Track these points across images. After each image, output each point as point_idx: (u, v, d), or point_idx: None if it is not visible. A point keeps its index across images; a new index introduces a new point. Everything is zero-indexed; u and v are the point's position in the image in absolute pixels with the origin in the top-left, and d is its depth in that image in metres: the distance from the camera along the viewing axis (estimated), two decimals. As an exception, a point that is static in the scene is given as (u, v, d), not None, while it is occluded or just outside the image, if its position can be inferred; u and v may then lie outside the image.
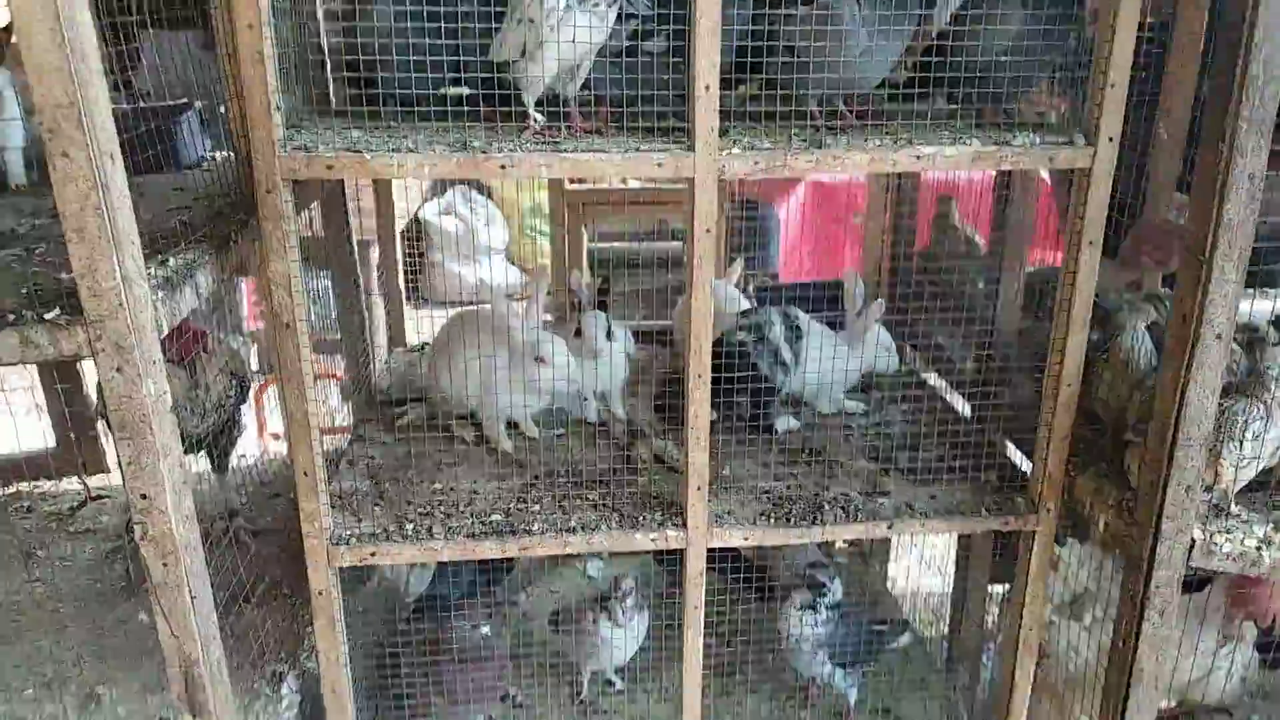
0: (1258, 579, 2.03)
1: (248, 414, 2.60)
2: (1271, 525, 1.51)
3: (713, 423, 1.93)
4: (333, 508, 1.71)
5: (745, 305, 2.21)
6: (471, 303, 2.87)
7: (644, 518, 1.69)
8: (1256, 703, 2.07)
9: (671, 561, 2.00)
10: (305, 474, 1.62)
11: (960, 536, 2.30)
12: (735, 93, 1.74)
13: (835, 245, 4.87)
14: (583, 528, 1.68)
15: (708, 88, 1.42)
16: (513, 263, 6.06)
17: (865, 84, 1.55)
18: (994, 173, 2.03)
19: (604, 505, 1.73)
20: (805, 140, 1.50)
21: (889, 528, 1.70)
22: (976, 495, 1.76)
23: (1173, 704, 2.01)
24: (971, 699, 2.23)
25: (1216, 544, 1.48)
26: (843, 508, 1.72)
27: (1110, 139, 1.48)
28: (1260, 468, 1.50)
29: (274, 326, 1.52)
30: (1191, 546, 1.47)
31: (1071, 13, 1.54)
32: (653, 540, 1.68)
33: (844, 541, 2.80)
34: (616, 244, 4.11)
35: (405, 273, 3.19)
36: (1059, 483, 1.70)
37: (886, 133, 1.53)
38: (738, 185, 5.15)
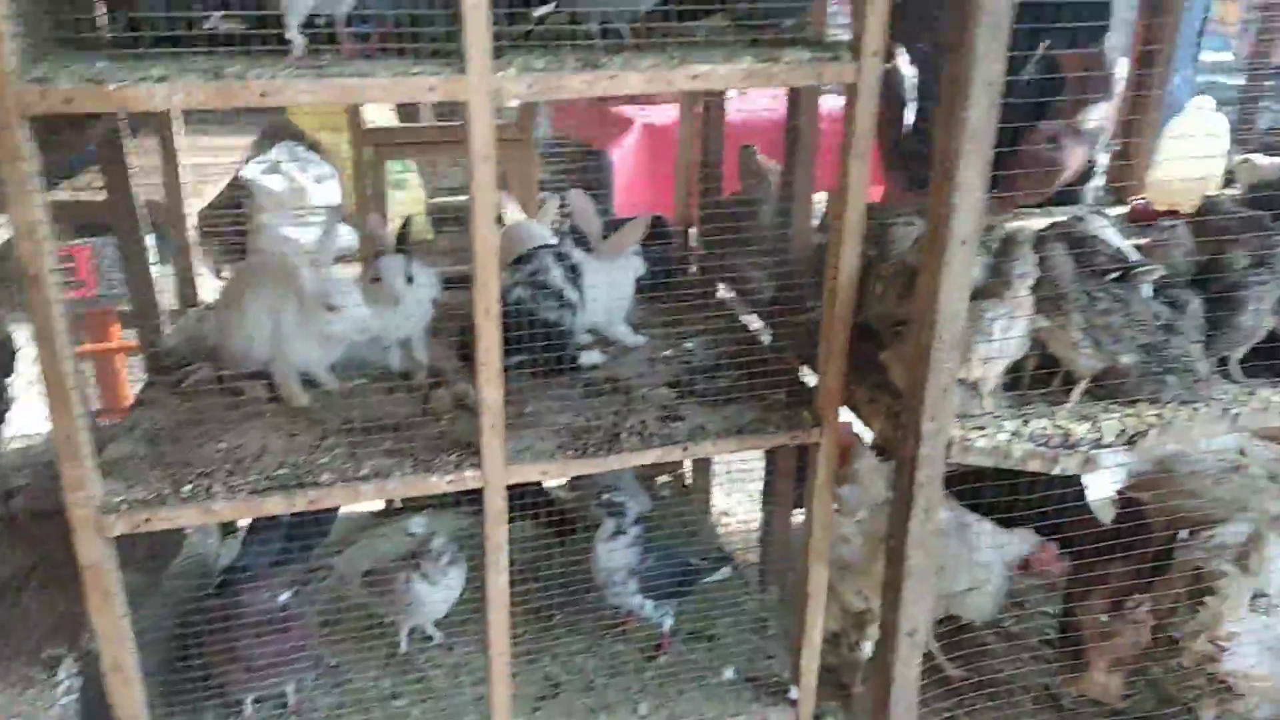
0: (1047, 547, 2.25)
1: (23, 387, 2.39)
2: (1021, 420, 1.65)
3: (516, 365, 1.91)
4: (104, 475, 1.58)
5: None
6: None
7: (440, 460, 1.66)
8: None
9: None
10: (67, 438, 1.50)
11: (767, 462, 2.39)
12: (533, 15, 1.72)
13: (668, 188, 4.93)
14: (375, 475, 1.63)
15: (476, 6, 1.39)
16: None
17: (637, 5, 1.56)
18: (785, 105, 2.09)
19: (398, 451, 1.69)
20: (581, 61, 1.50)
21: (684, 450, 1.75)
22: (766, 414, 1.83)
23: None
24: (782, 615, 2.33)
25: (971, 440, 1.59)
26: (639, 434, 1.74)
27: (874, 54, 1.54)
28: (1008, 363, 1.63)
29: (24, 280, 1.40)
30: (950, 445, 1.58)
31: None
32: (449, 482, 1.65)
33: (667, 475, 2.87)
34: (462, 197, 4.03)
35: (228, 235, 3.04)
36: (838, 395, 1.79)
37: (663, 52, 1.54)
38: (579, 132, 5.08)
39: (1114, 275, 1.71)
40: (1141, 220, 2.59)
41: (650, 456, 1.74)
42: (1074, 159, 2.45)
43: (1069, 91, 2.64)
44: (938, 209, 1.46)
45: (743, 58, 1.52)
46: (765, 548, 2.47)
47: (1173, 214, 2.47)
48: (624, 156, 4.71)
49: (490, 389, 1.59)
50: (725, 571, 2.27)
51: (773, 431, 1.80)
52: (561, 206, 2.38)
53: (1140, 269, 1.73)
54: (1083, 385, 1.68)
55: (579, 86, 1.47)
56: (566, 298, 1.95)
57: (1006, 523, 2.22)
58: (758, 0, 1.63)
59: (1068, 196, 2.76)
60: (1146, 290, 1.72)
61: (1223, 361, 1.78)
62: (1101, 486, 3.55)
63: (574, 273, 1.98)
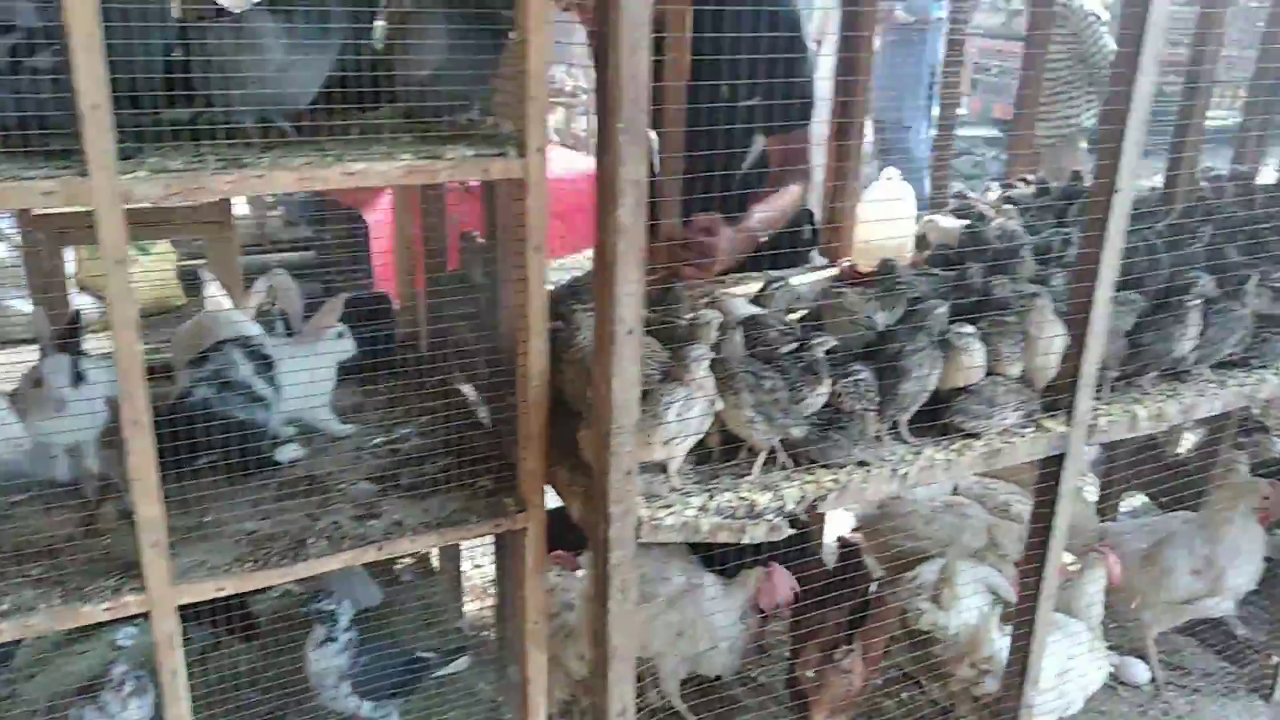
0: (772, 569, 2.34)
1: None
2: (708, 494, 1.70)
3: (206, 467, 1.78)
4: None
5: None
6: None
7: (96, 585, 1.51)
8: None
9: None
10: None
11: (497, 544, 2.36)
12: (171, 112, 1.61)
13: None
14: (16, 610, 1.46)
15: (95, 106, 1.29)
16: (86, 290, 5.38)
17: (296, 99, 1.51)
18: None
19: (48, 579, 1.52)
20: (224, 160, 1.43)
21: (378, 550, 1.68)
22: (470, 503, 1.80)
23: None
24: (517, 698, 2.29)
25: (660, 519, 1.63)
26: (328, 537, 1.66)
27: (539, 149, 1.57)
28: (692, 442, 1.68)
29: None
30: (639, 525, 1.61)
31: (498, 40, 1.60)
32: (107, 610, 1.50)
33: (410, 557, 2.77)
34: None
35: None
36: (541, 479, 1.78)
37: (317, 149, 1.49)
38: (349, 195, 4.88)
39: (790, 348, 1.81)
40: (849, 281, 2.78)
41: (339, 561, 1.66)
42: (730, 246, 2.58)
43: (772, 176, 2.80)
44: (601, 301, 1.49)
45: (403, 154, 1.50)
46: (501, 626, 2.42)
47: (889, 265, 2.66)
48: (381, 219, 4.60)
49: (147, 505, 1.47)
50: (462, 662, 2.21)
51: (475, 522, 1.76)
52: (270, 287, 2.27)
53: (815, 342, 1.84)
54: (762, 457, 1.75)
55: (223, 187, 1.40)
56: (257, 393, 1.85)
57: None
58: (427, 95, 1.61)
59: (796, 259, 2.95)
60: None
61: (895, 425, 1.92)
62: (842, 527, 3.76)
63: (266, 364, 1.88)
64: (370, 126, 1.62)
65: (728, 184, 2.59)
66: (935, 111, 10.06)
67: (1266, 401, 2.76)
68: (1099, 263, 1.86)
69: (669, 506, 1.66)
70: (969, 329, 1.88)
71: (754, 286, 2.44)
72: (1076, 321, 1.92)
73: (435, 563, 2.81)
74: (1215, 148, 3.91)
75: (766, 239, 2.81)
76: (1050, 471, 2.04)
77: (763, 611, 2.33)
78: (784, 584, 2.25)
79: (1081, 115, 5.99)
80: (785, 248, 2.78)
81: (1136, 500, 3.67)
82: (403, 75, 1.58)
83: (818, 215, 3.20)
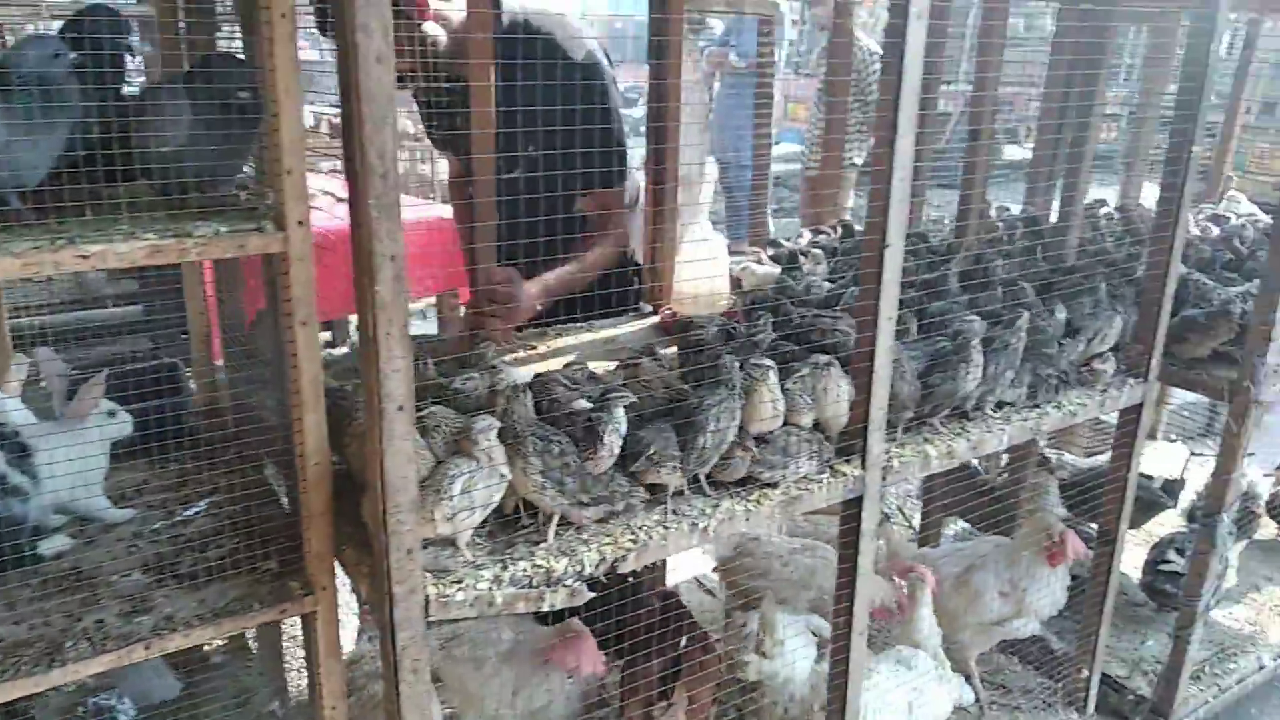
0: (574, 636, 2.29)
1: None
2: (502, 565, 1.67)
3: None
4: None
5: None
6: None
7: None
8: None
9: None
10: None
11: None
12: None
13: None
14: None
15: None
16: None
17: (21, 178, 1.41)
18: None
19: None
20: (-64, 245, 1.32)
21: (146, 649, 1.57)
22: (255, 588, 1.71)
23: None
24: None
25: (449, 595, 1.58)
26: (90, 639, 1.54)
27: (300, 223, 1.52)
28: (481, 515, 1.65)
29: None
30: (427, 603, 1.56)
31: (248, 115, 1.55)
32: None
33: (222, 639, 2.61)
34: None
35: None
36: (329, 559, 1.71)
37: (49, 230, 1.40)
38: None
39: (590, 409, 1.81)
40: (666, 329, 2.82)
41: (102, 664, 1.54)
42: (527, 300, 2.60)
43: (589, 228, 2.83)
44: (368, 378, 1.44)
45: (148, 233, 1.43)
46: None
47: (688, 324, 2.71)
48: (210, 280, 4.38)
49: None
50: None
51: (258, 609, 1.67)
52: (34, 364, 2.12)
53: (612, 396, 1.85)
54: (555, 522, 1.74)
55: (-67, 274, 1.30)
56: (11, 483, 1.71)
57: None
58: (171, 172, 1.53)
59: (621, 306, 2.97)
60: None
61: (696, 479, 1.94)
62: (692, 568, 3.79)
63: (21, 451, 1.74)
64: (122, 203, 1.53)
65: (535, 240, 2.60)
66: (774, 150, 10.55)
67: (1050, 434, 2.94)
68: (877, 314, 1.95)
69: (460, 581, 1.61)
70: (767, 361, 1.91)
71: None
72: (861, 370, 2.00)
73: (252, 640, 2.67)
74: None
75: (587, 288, 2.83)
76: (851, 514, 2.11)
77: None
78: (583, 652, 2.16)
79: (853, 153, 6.32)
80: (609, 297, 2.79)
81: (959, 525, 3.84)
82: (143, 153, 1.50)
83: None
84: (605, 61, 2.85)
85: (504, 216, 2.66)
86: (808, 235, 3.41)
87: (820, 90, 6.76)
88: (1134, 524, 3.68)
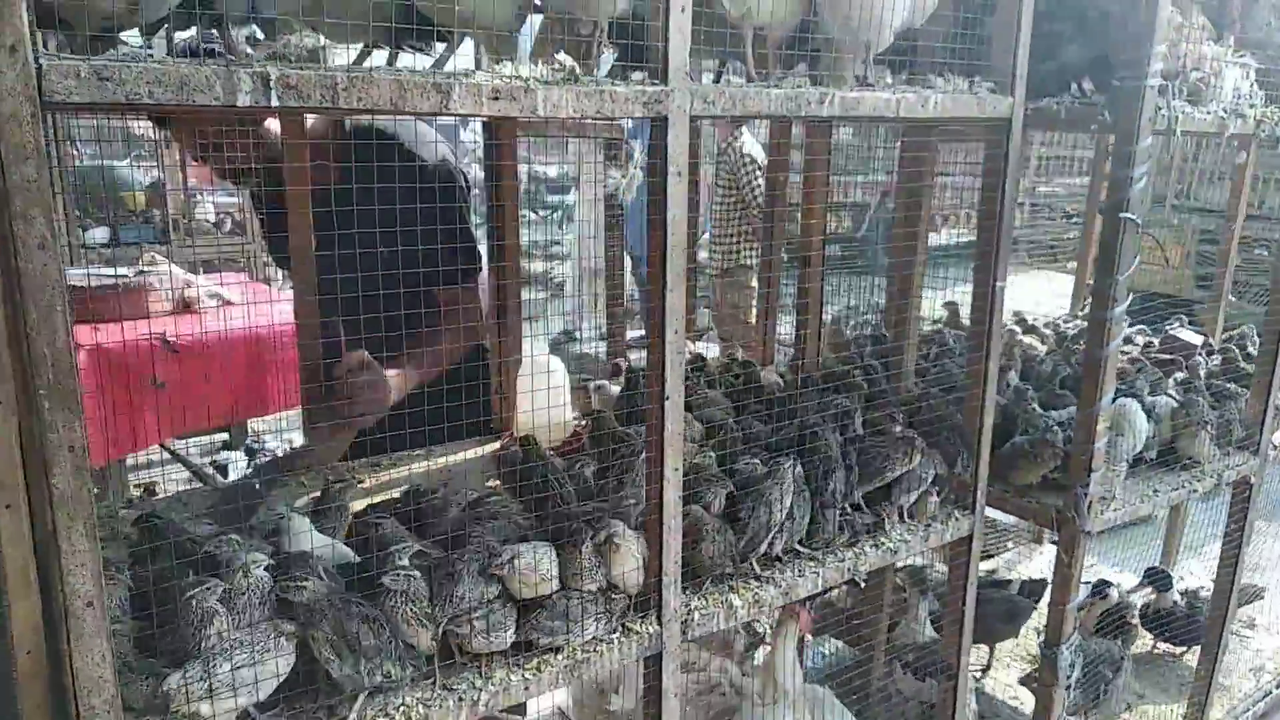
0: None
1: None
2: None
3: None
4: None
5: None
6: None
7: None
8: None
9: None
10: None
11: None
12: None
13: (133, 416, 4.50)
14: None
15: None
16: None
17: None
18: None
19: None
20: None
21: None
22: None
23: None
24: None
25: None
26: None
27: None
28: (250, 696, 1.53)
29: None
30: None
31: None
32: None
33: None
34: None
35: None
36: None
37: None
38: None
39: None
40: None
41: None
42: (386, 386, 2.53)
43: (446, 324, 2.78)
44: (50, 573, 1.34)
45: None
46: None
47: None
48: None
49: None
50: None
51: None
52: None
53: (397, 548, 1.76)
54: (361, 700, 1.63)
55: None
56: None
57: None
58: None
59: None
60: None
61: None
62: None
63: None
64: None
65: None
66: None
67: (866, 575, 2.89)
68: (662, 466, 1.90)
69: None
70: (526, 547, 1.84)
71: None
72: (652, 523, 1.94)
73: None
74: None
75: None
76: (651, 671, 2.02)
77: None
78: None
79: (742, 252, 6.45)
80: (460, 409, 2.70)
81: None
82: None
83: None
84: (456, 163, 2.86)
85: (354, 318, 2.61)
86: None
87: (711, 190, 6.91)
88: (1004, 636, 3.65)
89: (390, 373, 2.57)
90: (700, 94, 1.79)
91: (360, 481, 2.69)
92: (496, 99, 1.57)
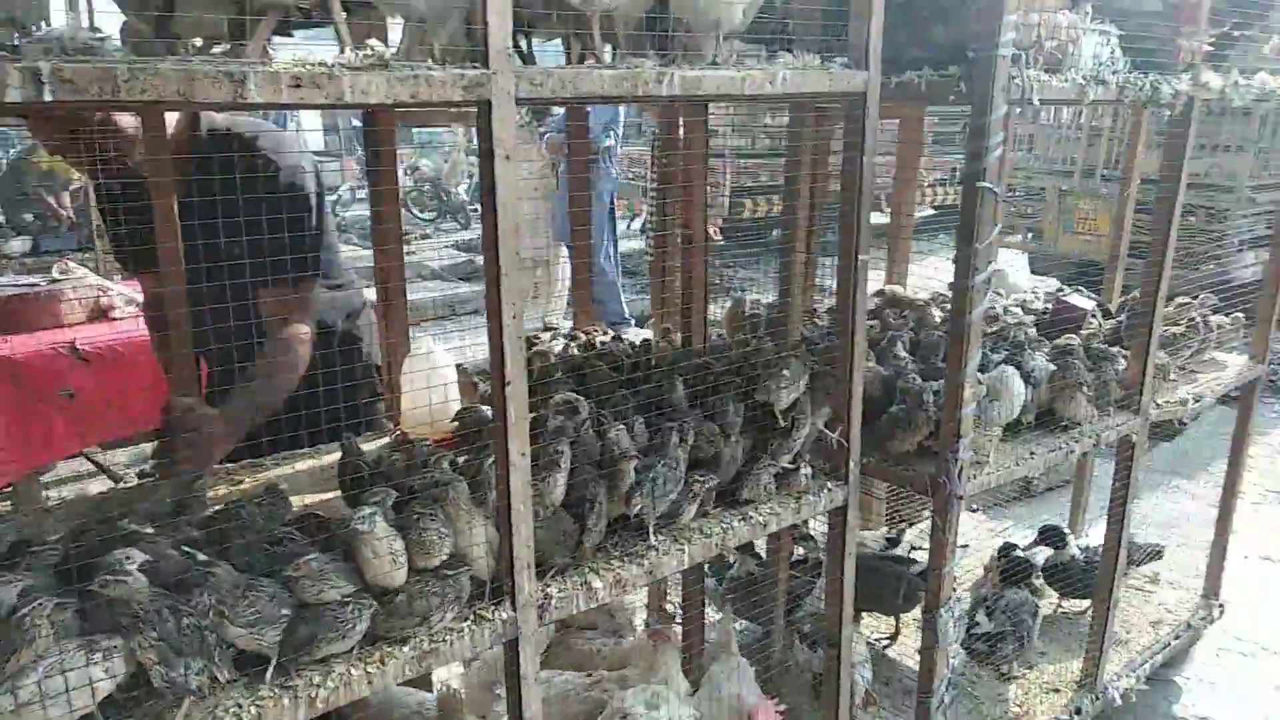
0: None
1: None
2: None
3: None
4: None
5: None
6: None
7: None
8: None
9: None
10: None
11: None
12: None
13: (43, 427, 4.40)
14: None
15: None
16: None
17: None
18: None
19: None
20: None
21: None
22: None
23: None
24: None
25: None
26: None
27: None
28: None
29: None
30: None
31: None
32: None
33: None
34: None
35: None
36: None
37: None
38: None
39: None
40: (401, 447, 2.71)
41: None
42: (218, 432, 2.49)
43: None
44: None
45: None
46: None
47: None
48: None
49: None
50: None
51: None
52: None
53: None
54: (186, 704, 1.61)
55: None
56: None
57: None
58: None
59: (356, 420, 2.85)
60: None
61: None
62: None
63: None
64: None
65: (225, 341, 2.49)
66: (621, 229, 10.82)
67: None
68: (507, 453, 1.89)
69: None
70: (366, 511, 1.81)
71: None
72: (502, 509, 1.94)
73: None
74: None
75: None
76: (511, 657, 2.02)
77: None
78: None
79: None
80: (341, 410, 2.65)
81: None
82: None
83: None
84: (311, 170, 2.79)
85: (207, 326, 2.56)
86: (561, 340, 3.36)
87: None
88: (905, 610, 3.71)
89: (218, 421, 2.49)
90: (527, 76, 1.77)
91: (241, 482, 2.66)
92: (298, 86, 1.54)
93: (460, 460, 2.29)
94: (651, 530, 2.22)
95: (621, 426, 2.27)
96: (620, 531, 2.26)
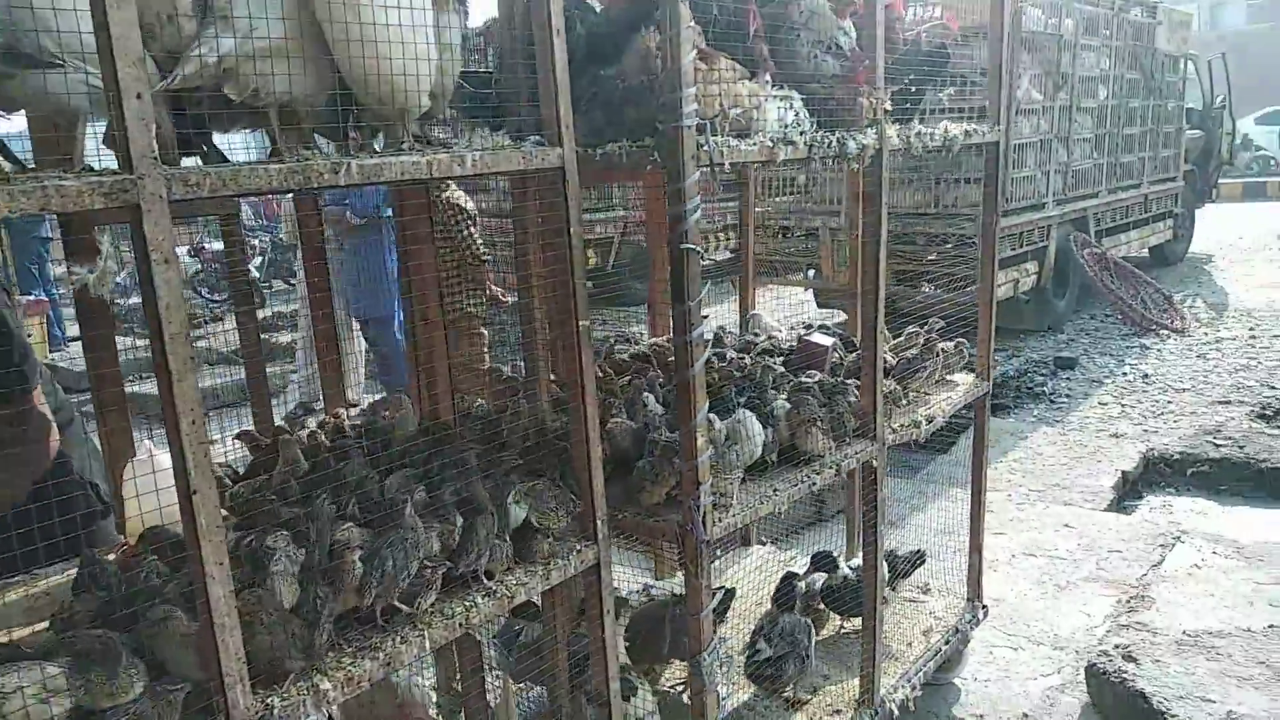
0: None
1: None
2: None
3: None
4: None
5: None
6: None
7: None
8: None
9: None
10: None
11: None
12: None
13: None
14: None
15: None
16: None
17: None
18: None
19: None
20: None
21: None
22: None
23: None
24: None
25: None
26: None
27: None
28: None
29: None
30: None
31: None
32: None
33: None
34: None
35: None
36: None
37: None
38: None
39: None
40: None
41: None
42: None
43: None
44: None
45: None
46: None
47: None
48: None
49: None
50: None
51: None
52: None
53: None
54: None
55: None
56: None
57: None
58: None
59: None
60: None
61: None
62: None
63: None
64: None
65: None
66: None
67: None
68: (202, 563, 1.81)
69: None
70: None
71: None
72: (204, 623, 1.85)
73: None
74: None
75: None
76: (233, 778, 1.92)
77: None
78: None
79: (467, 302, 6.52)
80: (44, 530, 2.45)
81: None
82: None
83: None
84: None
85: None
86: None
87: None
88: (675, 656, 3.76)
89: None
90: (180, 178, 1.74)
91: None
92: (-102, 209, 1.45)
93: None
94: (378, 618, 2.18)
95: (349, 524, 2.23)
96: (356, 626, 2.20)
